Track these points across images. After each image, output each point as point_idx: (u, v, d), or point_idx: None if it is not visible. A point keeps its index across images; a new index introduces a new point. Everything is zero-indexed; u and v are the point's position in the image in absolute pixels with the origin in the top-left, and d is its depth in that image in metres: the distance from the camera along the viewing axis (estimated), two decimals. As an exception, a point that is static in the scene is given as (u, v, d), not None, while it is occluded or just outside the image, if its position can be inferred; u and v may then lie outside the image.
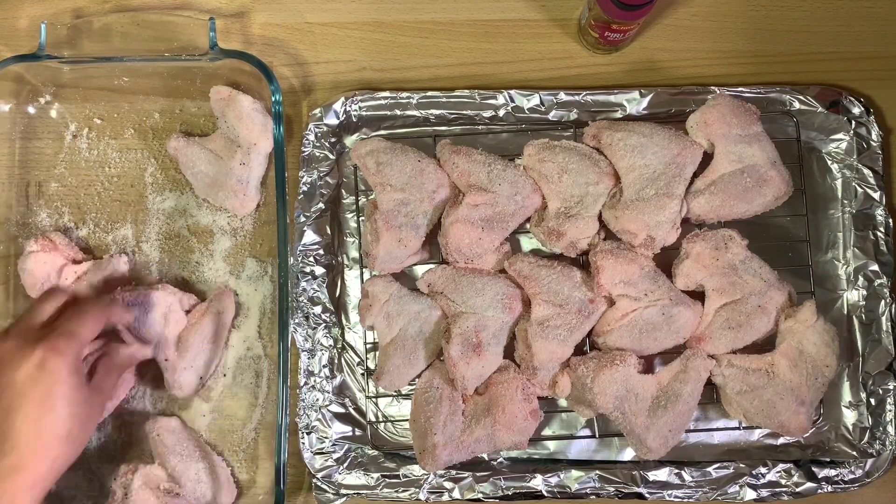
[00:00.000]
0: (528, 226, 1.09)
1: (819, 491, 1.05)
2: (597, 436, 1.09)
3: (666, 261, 1.07)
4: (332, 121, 1.11)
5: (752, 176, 1.04)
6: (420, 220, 1.06)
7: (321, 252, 1.09)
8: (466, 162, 1.05)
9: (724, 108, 1.05)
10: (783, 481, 1.05)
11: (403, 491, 1.06)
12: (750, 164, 1.04)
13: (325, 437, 1.07)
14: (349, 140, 1.13)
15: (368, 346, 1.10)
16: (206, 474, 1.06)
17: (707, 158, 1.07)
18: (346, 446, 1.08)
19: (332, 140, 1.10)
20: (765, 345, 1.06)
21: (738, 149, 1.04)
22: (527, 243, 1.12)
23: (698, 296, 1.06)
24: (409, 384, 1.09)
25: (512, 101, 1.10)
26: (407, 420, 1.09)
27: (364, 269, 1.11)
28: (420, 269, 1.11)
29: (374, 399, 1.10)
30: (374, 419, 1.09)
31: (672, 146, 1.04)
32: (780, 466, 1.06)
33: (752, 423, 1.05)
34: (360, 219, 1.11)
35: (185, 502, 1.05)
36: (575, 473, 1.06)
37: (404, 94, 1.10)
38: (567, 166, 1.05)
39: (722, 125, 1.04)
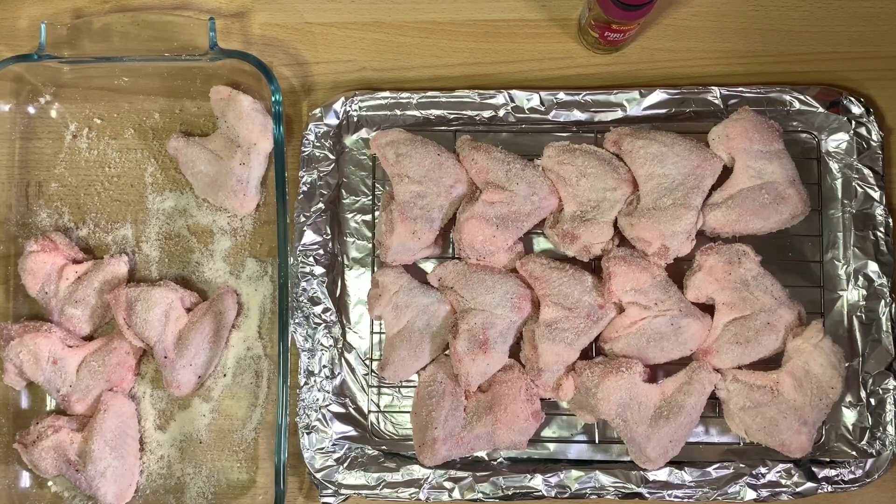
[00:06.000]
0: (543, 227, 1.09)
1: (819, 491, 1.05)
2: (597, 442, 1.09)
3: (678, 272, 1.08)
4: (332, 121, 1.11)
5: (770, 193, 1.04)
6: (435, 213, 1.06)
7: (321, 252, 1.09)
8: (486, 159, 1.06)
9: (748, 122, 1.05)
10: (783, 481, 1.05)
11: (403, 491, 1.06)
12: (769, 180, 1.04)
13: (325, 437, 1.07)
14: (349, 140, 1.13)
15: (374, 336, 1.11)
16: (112, 473, 1.05)
17: (726, 172, 1.07)
18: (346, 446, 1.08)
19: (332, 140, 1.10)
20: (770, 362, 1.06)
21: (758, 165, 1.04)
22: (540, 244, 1.12)
23: (708, 309, 1.06)
24: (410, 380, 1.09)
25: (512, 101, 1.10)
26: (407, 414, 1.09)
27: (365, 269, 1.11)
28: (431, 263, 1.11)
29: (375, 389, 1.10)
30: (374, 409, 1.10)
31: (692, 157, 1.04)
32: (780, 466, 1.06)
33: (754, 439, 1.05)
34: (376, 209, 1.11)
35: (76, 481, 1.05)
36: (575, 473, 1.06)
37: (404, 94, 1.11)
38: (586, 170, 1.05)
39: (744, 140, 1.04)
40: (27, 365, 1.06)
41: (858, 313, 1.08)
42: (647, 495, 1.05)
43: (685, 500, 1.05)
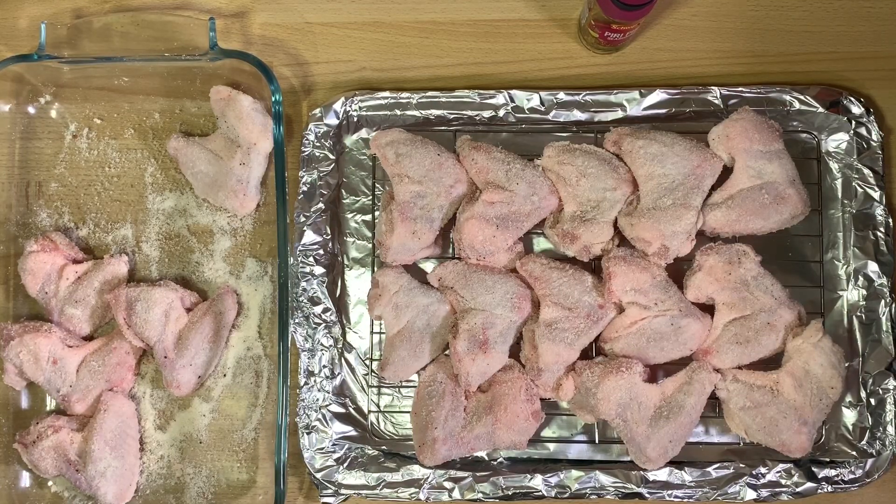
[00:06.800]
0: (543, 227, 1.09)
1: (819, 491, 1.05)
2: (597, 442, 1.09)
3: (678, 272, 1.08)
4: (332, 121, 1.11)
5: (770, 193, 1.04)
6: (435, 213, 1.06)
7: (321, 252, 1.09)
8: (486, 159, 1.06)
9: (748, 122, 1.05)
10: (783, 481, 1.05)
11: (403, 491, 1.06)
12: (769, 180, 1.04)
13: (325, 437, 1.07)
14: (349, 140, 1.13)
15: (374, 336, 1.11)
16: (112, 473, 1.05)
17: (726, 172, 1.07)
18: (346, 446, 1.08)
19: (332, 140, 1.10)
20: (770, 362, 1.06)
21: (758, 165, 1.04)
22: (540, 244, 1.12)
23: (708, 309, 1.06)
24: (410, 380, 1.10)
25: (512, 101, 1.10)
26: (407, 414, 1.09)
27: (365, 269, 1.11)
28: (431, 263, 1.11)
29: (375, 389, 1.10)
30: (374, 409, 1.10)
31: (692, 157, 1.04)
32: (780, 466, 1.06)
33: (754, 439, 1.05)
34: (376, 209, 1.11)
35: (76, 481, 1.05)
36: (575, 473, 1.06)
37: (404, 94, 1.11)
38: (586, 170, 1.05)
39: (744, 140, 1.04)
40: (27, 365, 1.06)
41: (858, 313, 1.08)
42: (647, 495, 1.05)
43: (685, 500, 1.05)
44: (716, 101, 1.10)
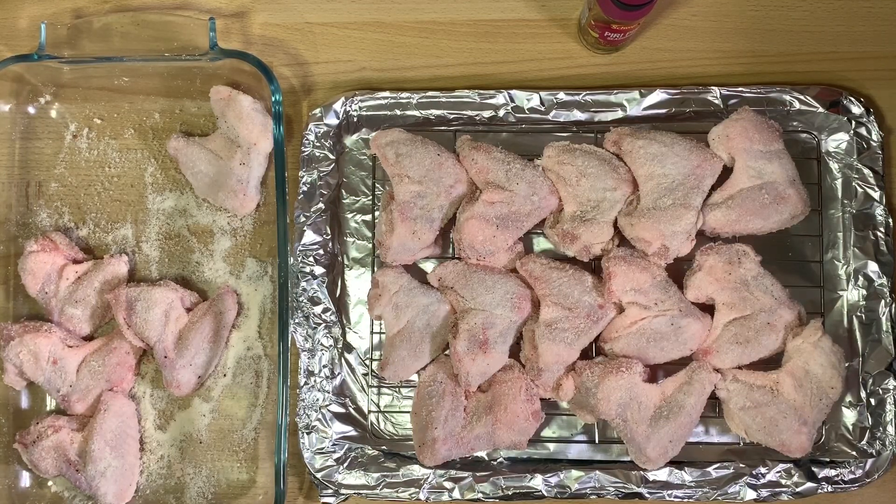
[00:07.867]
0: (543, 227, 1.09)
1: (819, 491, 1.05)
2: (597, 442, 1.09)
3: (678, 272, 1.08)
4: (332, 121, 1.11)
5: (770, 193, 1.04)
6: (435, 213, 1.06)
7: (321, 252, 1.09)
8: (485, 159, 1.06)
9: (748, 122, 1.05)
10: (783, 481, 1.05)
11: (403, 491, 1.06)
12: (769, 180, 1.04)
13: (325, 437, 1.07)
14: (349, 140, 1.13)
15: (374, 336, 1.11)
16: (112, 473, 1.05)
17: (726, 172, 1.07)
18: (346, 446, 1.08)
19: (332, 140, 1.10)
20: (770, 362, 1.06)
21: (758, 165, 1.04)
22: (540, 244, 1.12)
23: (708, 309, 1.06)
24: (410, 380, 1.10)
25: (512, 101, 1.10)
26: (407, 414, 1.09)
27: (365, 269, 1.11)
28: (431, 263, 1.11)
29: (375, 389, 1.10)
30: (374, 409, 1.10)
31: (692, 157, 1.04)
32: (780, 466, 1.06)
33: (754, 439, 1.05)
34: (376, 209, 1.11)
35: (76, 481, 1.05)
36: (575, 473, 1.06)
37: (404, 94, 1.11)
38: (586, 170, 1.05)
39: (744, 140, 1.04)
40: (27, 365, 1.06)
41: (858, 313, 1.08)
42: (647, 495, 1.05)
43: (685, 500, 1.05)
44: (716, 101, 1.10)
